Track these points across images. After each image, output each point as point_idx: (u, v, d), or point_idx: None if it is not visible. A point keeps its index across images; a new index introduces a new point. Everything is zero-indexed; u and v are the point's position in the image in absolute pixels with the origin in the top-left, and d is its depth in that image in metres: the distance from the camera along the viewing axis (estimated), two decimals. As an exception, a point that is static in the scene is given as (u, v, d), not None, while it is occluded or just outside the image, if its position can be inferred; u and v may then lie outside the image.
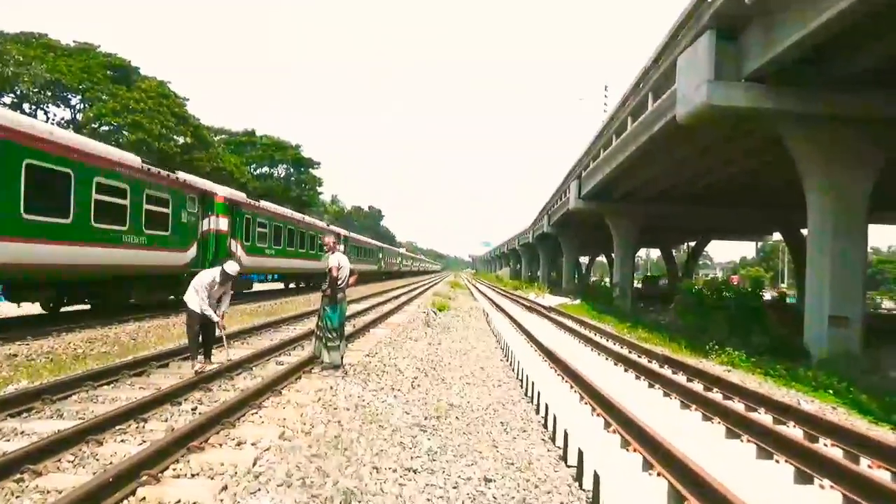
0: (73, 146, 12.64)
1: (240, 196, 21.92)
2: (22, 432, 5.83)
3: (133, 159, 15.04)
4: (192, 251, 17.87)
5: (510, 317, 22.42)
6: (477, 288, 56.96)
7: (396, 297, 29.78)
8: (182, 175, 17.79)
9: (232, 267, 9.01)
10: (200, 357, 9.00)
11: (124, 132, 38.68)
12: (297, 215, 30.51)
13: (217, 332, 9.27)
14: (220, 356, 9.48)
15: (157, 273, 16.48)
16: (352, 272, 9.69)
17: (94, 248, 13.13)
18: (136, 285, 16.11)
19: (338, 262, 9.32)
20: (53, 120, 40.93)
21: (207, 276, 8.94)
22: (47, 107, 39.78)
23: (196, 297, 8.78)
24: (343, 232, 41.80)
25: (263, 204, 24.76)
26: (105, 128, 39.42)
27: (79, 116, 40.05)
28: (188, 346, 9.17)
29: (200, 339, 9.05)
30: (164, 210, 16.17)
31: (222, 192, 20.30)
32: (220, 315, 9.17)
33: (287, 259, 27.23)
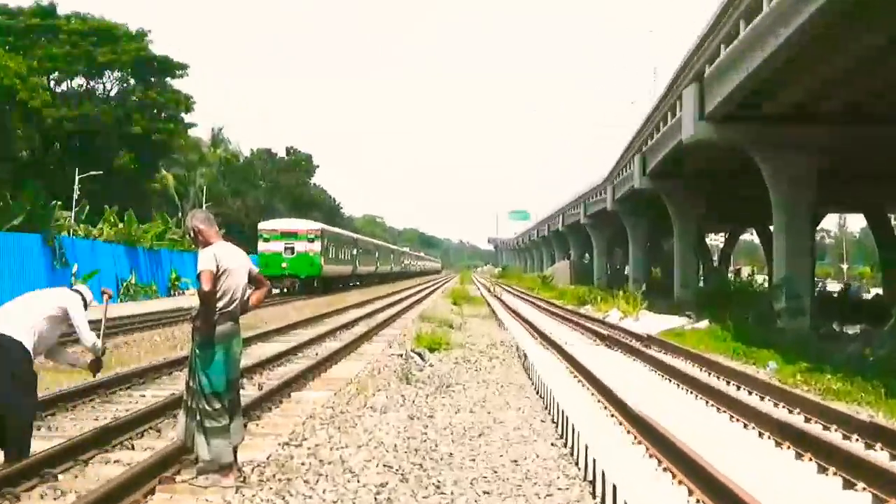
0: (356, 237, 54.74)
1: (373, 239, 63.14)
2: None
3: (367, 240, 61.10)
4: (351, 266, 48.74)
5: (573, 362, 11.87)
6: (506, 305, 32.19)
7: (352, 324, 18.87)
8: (354, 234, 55.27)
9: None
10: None
11: None
12: (357, 236, 57.35)
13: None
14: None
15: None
16: (257, 280, 4.87)
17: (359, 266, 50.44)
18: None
19: (215, 261, 4.48)
20: None
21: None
22: None
23: None
24: (364, 240, 60.07)
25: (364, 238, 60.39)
26: None
27: None
28: None
29: None
30: (349, 251, 47.49)
31: (357, 236, 56.73)
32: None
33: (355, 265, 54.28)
